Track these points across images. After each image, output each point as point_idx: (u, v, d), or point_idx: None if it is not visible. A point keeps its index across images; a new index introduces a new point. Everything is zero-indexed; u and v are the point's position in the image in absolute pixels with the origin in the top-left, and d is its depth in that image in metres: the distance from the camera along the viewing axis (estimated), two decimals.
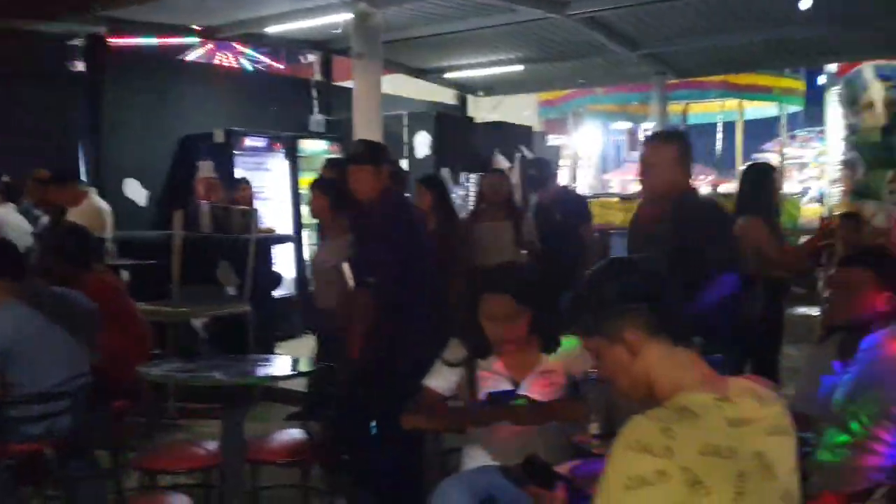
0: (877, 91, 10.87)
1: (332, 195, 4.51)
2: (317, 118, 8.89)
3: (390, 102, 8.77)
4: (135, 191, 7.72)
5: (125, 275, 6.00)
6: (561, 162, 11.67)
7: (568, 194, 5.15)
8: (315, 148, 8.32)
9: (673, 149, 3.32)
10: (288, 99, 8.90)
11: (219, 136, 7.61)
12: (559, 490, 1.79)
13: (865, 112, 10.96)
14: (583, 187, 15.37)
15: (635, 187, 15.40)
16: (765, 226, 4.38)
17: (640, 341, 1.61)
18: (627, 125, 16.46)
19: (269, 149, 7.94)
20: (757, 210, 4.44)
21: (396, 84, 9.99)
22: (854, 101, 11.02)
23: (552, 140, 12.63)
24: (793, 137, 16.42)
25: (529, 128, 10.47)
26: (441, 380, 2.73)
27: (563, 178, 10.23)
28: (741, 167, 14.55)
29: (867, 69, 10.86)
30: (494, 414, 2.49)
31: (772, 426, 1.60)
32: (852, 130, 11.08)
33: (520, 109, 12.96)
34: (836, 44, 9.00)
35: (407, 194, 5.17)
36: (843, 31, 8.44)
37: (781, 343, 4.69)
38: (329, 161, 5.49)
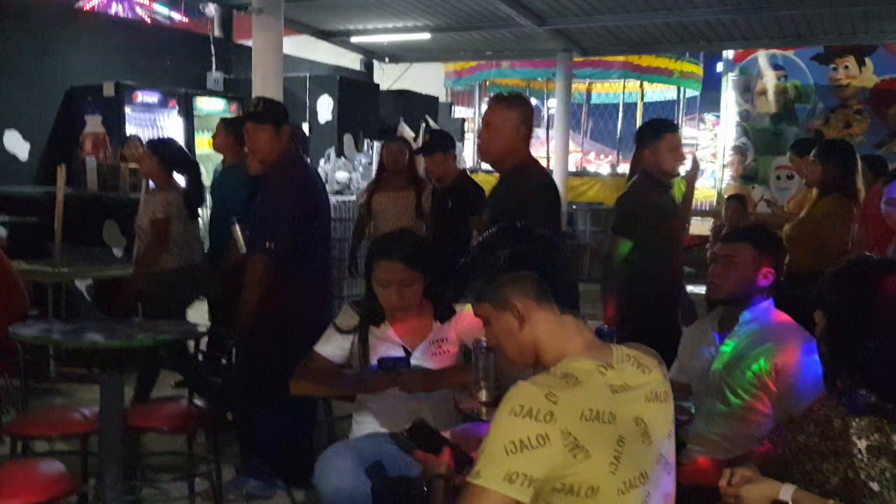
0: (770, 79, 11.36)
1: (237, 134, 4.43)
2: (215, 76, 8.58)
3: (293, 64, 8.55)
4: (16, 143, 7.28)
5: (2, 231, 5.66)
6: (466, 135, 11.68)
7: (465, 182, 5.07)
8: (212, 107, 8.03)
9: (515, 115, 3.20)
10: (185, 54, 8.54)
11: (108, 90, 7.24)
12: (445, 455, 1.78)
13: (758, 99, 11.45)
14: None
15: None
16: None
17: (528, 308, 1.61)
18: (532, 101, 16.63)
19: (162, 105, 7.61)
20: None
21: (301, 46, 9.74)
22: (748, 88, 11.49)
23: (458, 112, 12.63)
24: (693, 120, 16.98)
25: (435, 98, 10.43)
26: (332, 346, 2.68)
27: (463, 161, 10.24)
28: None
29: (762, 57, 11.33)
30: (384, 381, 2.47)
31: (651, 393, 1.64)
32: (744, 117, 11.55)
33: (427, 80, 12.90)
34: (733, 30, 9.32)
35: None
36: (740, 18, 8.74)
37: None
38: (225, 121, 5.30)
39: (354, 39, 9.85)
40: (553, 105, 12.80)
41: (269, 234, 3.47)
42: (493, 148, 3.23)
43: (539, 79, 14.33)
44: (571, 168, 14.56)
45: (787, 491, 1.77)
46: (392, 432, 2.51)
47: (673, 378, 2.96)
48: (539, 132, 16.40)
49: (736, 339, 2.69)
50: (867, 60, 10.75)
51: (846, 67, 10.86)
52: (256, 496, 3.54)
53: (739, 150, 11.62)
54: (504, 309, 1.62)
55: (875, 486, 1.65)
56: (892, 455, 1.65)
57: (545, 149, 14.26)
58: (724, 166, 12.02)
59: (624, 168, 15.17)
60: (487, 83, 14.48)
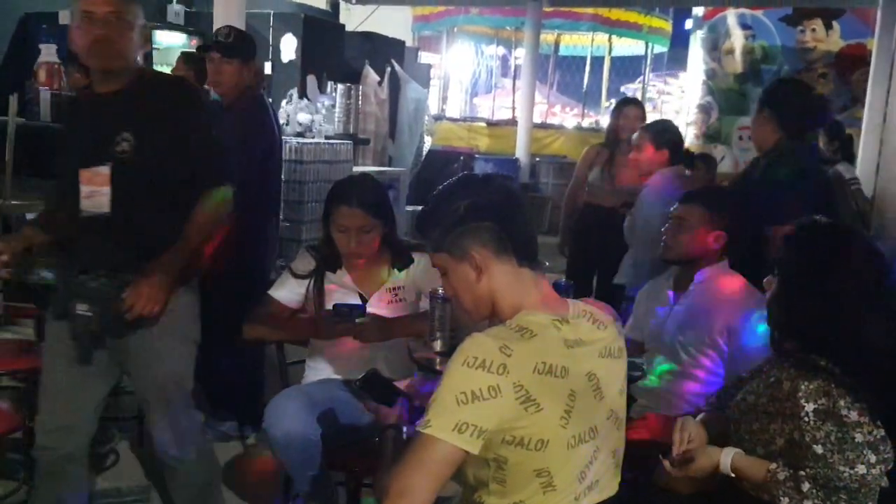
0: (738, 38, 11.35)
1: (198, 69, 4.27)
2: (175, 8, 8.28)
3: (257, 0, 8.29)
4: None
5: None
6: (431, 82, 11.52)
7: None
8: (172, 41, 7.76)
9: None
10: None
11: (64, 18, 6.94)
12: (397, 406, 1.78)
13: (725, 58, 11.44)
14: (452, 110, 15.34)
15: (504, 113, 15.59)
16: (603, 155, 4.77)
17: (486, 259, 1.59)
18: (500, 50, 16.44)
19: None
20: (606, 142, 4.80)
21: None
22: (715, 47, 11.47)
23: (424, 58, 12.42)
24: (661, 77, 16.98)
25: (402, 42, 10.20)
26: (287, 291, 2.64)
27: (427, 108, 10.06)
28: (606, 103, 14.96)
29: (731, 16, 11.29)
30: (338, 328, 2.44)
31: (605, 348, 1.64)
32: (710, 75, 11.56)
33: (395, 23, 12.64)
34: None
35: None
36: None
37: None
38: (186, 55, 5.12)
39: None
40: (521, 55, 12.67)
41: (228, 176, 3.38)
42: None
43: (508, 27, 14.16)
44: (537, 120, 14.53)
45: (727, 458, 1.80)
46: (345, 379, 2.51)
47: (627, 335, 3.01)
48: (505, 82, 16.29)
49: (689, 299, 2.72)
50: (834, 24, 10.77)
51: (813, 30, 10.89)
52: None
53: (704, 109, 11.65)
54: (462, 259, 1.60)
55: (819, 449, 1.69)
56: (837, 419, 1.69)
57: (510, 99, 14.17)
58: (688, 125, 12.06)
59: (588, 121, 15.17)
60: (455, 29, 14.27)
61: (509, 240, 1.59)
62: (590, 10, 12.36)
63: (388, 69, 8.92)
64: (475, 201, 1.59)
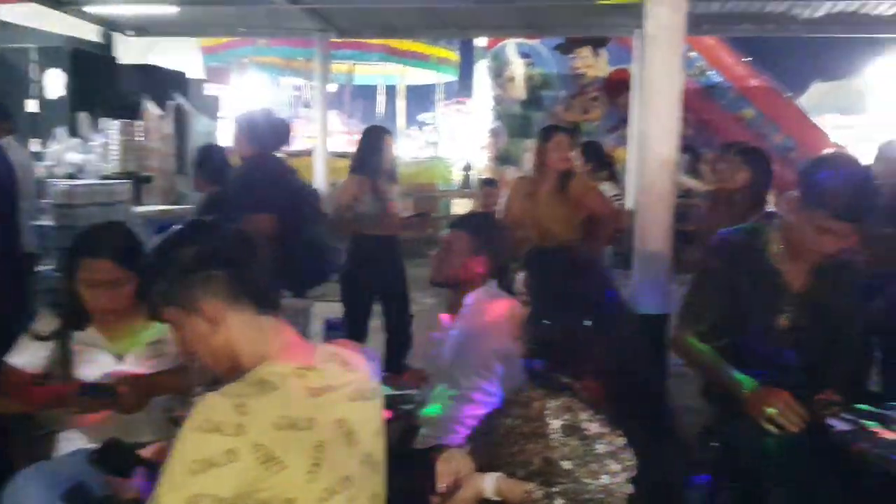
0: (518, 66, 11.95)
1: None
2: None
3: (17, 34, 7.67)
4: None
5: None
6: (219, 113, 11.14)
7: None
8: None
9: None
10: None
11: None
12: (137, 477, 1.64)
13: (508, 85, 12.01)
14: None
15: (306, 143, 15.41)
16: (366, 184, 4.63)
17: (219, 311, 1.50)
18: (298, 80, 16.28)
19: None
20: (364, 170, 4.68)
21: (32, 16, 8.73)
22: (499, 75, 12.02)
23: (211, 89, 12.01)
24: (452, 104, 17.51)
25: (182, 73, 9.78)
26: (28, 356, 2.38)
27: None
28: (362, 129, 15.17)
29: (510, 46, 11.88)
30: (91, 406, 2.23)
31: (355, 392, 1.60)
32: (497, 101, 12.08)
33: (186, 55, 12.14)
34: (482, 19, 9.64)
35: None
36: (488, 8, 9.06)
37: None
38: None
39: (89, 9, 8.99)
40: (314, 85, 12.57)
41: None
42: None
43: (299, 58, 14.04)
44: (339, 149, 14.47)
45: (490, 483, 1.81)
46: (89, 450, 2.29)
47: (410, 364, 3.01)
48: (304, 112, 16.11)
49: (462, 322, 2.76)
50: (602, 51, 11.63)
51: (584, 57, 11.69)
52: None
53: (494, 133, 12.15)
54: (192, 312, 1.50)
55: (567, 465, 1.74)
56: (581, 433, 1.75)
57: (310, 129, 14.03)
58: (481, 148, 12.52)
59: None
60: (246, 60, 13.94)
61: (244, 288, 1.51)
62: (378, 42, 12.53)
63: (173, 103, 8.52)
64: (203, 248, 1.50)
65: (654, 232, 4.51)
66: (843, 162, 2.46)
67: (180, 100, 8.80)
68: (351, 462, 1.54)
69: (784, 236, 2.46)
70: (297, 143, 15.35)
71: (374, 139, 4.82)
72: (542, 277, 1.94)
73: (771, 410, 2.21)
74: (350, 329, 4.23)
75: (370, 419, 1.62)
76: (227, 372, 1.54)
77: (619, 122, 11.25)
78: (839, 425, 2.16)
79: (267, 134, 4.10)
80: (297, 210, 4.02)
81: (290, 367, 1.50)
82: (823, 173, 2.31)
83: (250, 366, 1.51)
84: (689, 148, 11.05)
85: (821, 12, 8.67)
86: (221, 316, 1.50)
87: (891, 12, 8.58)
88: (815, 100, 15.15)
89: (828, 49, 14.71)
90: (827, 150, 8.91)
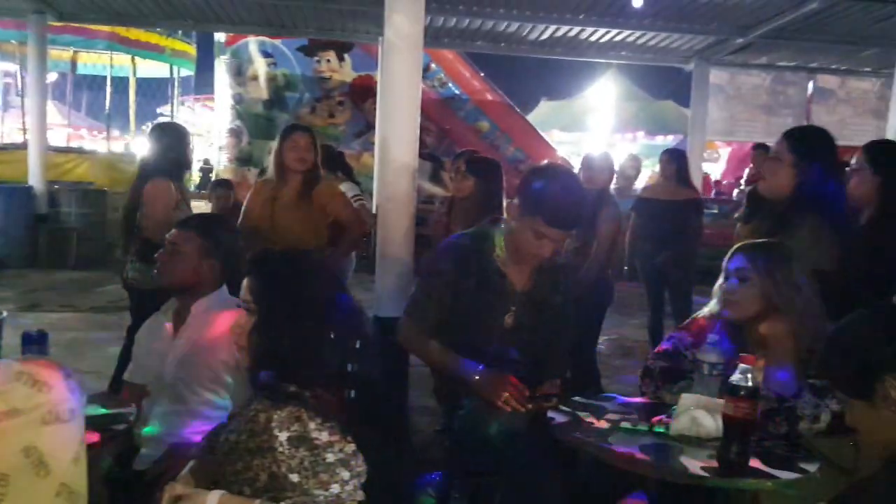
0: (260, 65, 11.65)
1: None
2: None
3: None
4: None
5: None
6: None
7: None
8: None
9: None
10: None
11: None
12: None
13: (250, 84, 11.67)
14: None
15: (17, 136, 13.82)
16: (174, 189, 4.07)
17: None
18: (11, 66, 14.56)
19: None
20: (167, 172, 4.08)
21: None
22: (240, 73, 11.63)
23: None
24: (190, 100, 16.65)
25: None
26: None
27: None
28: (147, 126, 14.15)
29: (252, 44, 11.55)
30: None
31: (49, 413, 1.39)
32: (238, 100, 11.68)
33: None
34: (221, 13, 9.27)
35: None
36: (227, 2, 8.73)
37: None
38: None
39: None
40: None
41: None
42: None
43: (12, 41, 12.59)
44: (59, 143, 13.14)
45: (213, 502, 1.69)
46: None
47: (128, 379, 2.75)
48: (18, 100, 14.44)
49: (188, 332, 2.57)
50: (346, 56, 11.69)
51: (328, 61, 11.67)
52: None
53: (235, 133, 11.74)
54: None
55: (295, 478, 1.66)
56: (310, 443, 1.68)
57: (22, 120, 12.64)
58: (220, 148, 12.03)
59: (116, 146, 14.22)
60: None
61: None
62: (106, 28, 11.58)
63: None
64: None
65: (395, 237, 4.59)
66: (558, 173, 2.62)
67: None
68: (44, 494, 1.35)
69: (508, 240, 2.58)
70: (10, 136, 13.78)
71: (168, 138, 4.29)
72: (267, 283, 1.84)
73: (500, 393, 2.32)
74: None
75: (68, 444, 1.42)
76: None
77: (366, 127, 11.39)
78: (558, 417, 2.29)
79: None
80: None
81: None
82: (540, 183, 2.46)
83: None
84: (432, 156, 11.52)
85: (545, 35, 9.40)
86: None
87: (604, 39, 9.52)
88: (543, 116, 16.42)
89: (555, 70, 16.00)
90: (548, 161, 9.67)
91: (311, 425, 1.69)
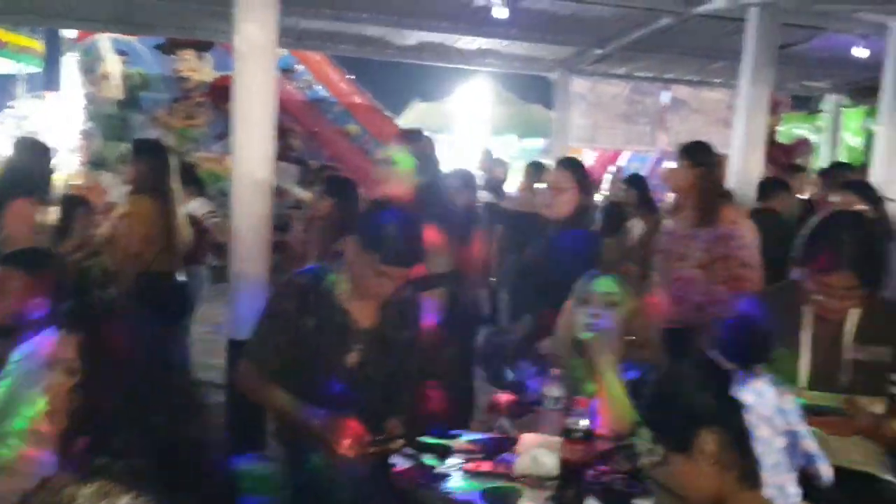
0: (114, 64, 11.01)
1: None
2: None
3: None
4: None
5: None
6: None
7: None
8: None
9: None
10: None
11: None
12: None
13: (103, 83, 11.01)
14: None
15: None
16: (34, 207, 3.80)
17: None
18: None
19: None
20: (30, 189, 3.83)
21: None
22: (91, 71, 10.96)
23: None
24: (37, 98, 15.57)
25: None
26: None
27: None
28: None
29: (104, 41, 10.90)
30: None
31: None
32: (90, 100, 11.01)
33: None
34: (69, 9, 8.68)
35: None
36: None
37: None
38: None
39: None
40: None
41: None
42: None
43: None
44: None
45: None
46: None
47: None
48: None
49: (10, 379, 2.35)
50: (206, 55, 11.22)
51: (187, 60, 11.17)
52: None
53: (87, 135, 11.06)
54: None
55: None
56: None
57: None
58: (71, 151, 11.31)
59: None
60: None
61: None
62: None
63: None
64: None
65: (250, 255, 4.41)
66: (395, 209, 2.52)
67: None
68: None
69: (349, 276, 2.49)
70: None
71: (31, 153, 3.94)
72: (94, 340, 1.67)
73: (341, 440, 2.24)
74: None
75: None
76: None
77: (227, 129, 10.95)
78: (400, 462, 2.24)
79: None
80: None
81: None
82: (378, 220, 2.39)
83: None
84: (300, 160, 11.22)
85: (412, 41, 9.36)
86: None
87: (471, 47, 9.58)
88: (413, 118, 16.38)
89: (426, 73, 15.99)
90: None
91: (124, 500, 1.55)
